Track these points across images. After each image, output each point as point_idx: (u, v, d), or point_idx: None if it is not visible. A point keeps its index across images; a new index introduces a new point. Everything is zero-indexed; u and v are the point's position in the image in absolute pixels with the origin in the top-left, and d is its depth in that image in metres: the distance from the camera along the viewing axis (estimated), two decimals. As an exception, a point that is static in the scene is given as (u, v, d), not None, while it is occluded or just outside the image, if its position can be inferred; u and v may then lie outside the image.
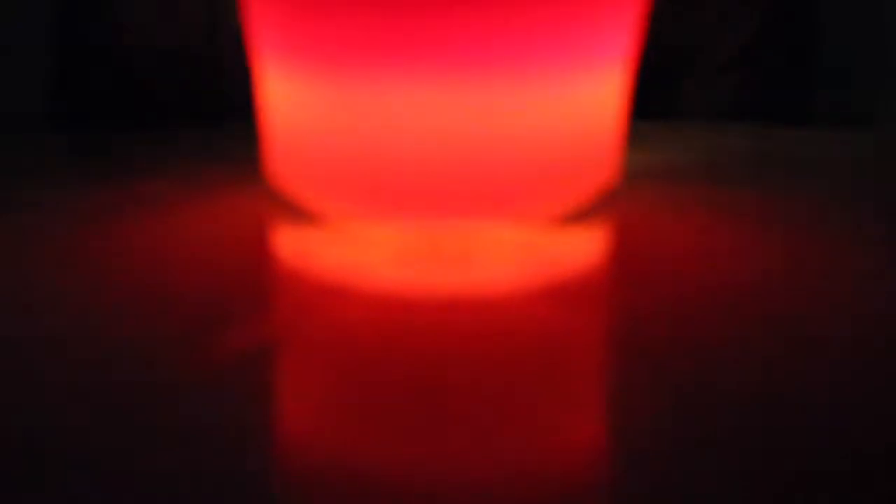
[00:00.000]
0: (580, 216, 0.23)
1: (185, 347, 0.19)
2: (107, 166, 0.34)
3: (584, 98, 0.21)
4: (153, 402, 0.16)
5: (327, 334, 0.20)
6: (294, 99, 0.21)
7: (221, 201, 0.28)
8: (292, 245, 0.23)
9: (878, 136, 0.48)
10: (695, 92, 0.55)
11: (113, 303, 0.21)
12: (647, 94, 0.31)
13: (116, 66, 0.56)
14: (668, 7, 0.52)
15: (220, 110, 0.53)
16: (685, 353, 0.18)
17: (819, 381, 0.17)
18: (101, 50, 0.57)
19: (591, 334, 0.21)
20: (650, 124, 0.36)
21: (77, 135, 0.44)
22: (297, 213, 0.23)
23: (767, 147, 0.38)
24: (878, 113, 0.74)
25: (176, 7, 0.55)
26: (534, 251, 0.22)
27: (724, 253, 0.24)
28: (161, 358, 0.18)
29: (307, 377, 0.18)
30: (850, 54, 0.72)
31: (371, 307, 0.20)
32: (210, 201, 0.28)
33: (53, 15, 0.58)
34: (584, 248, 0.23)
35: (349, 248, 0.22)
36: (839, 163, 0.36)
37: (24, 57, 0.72)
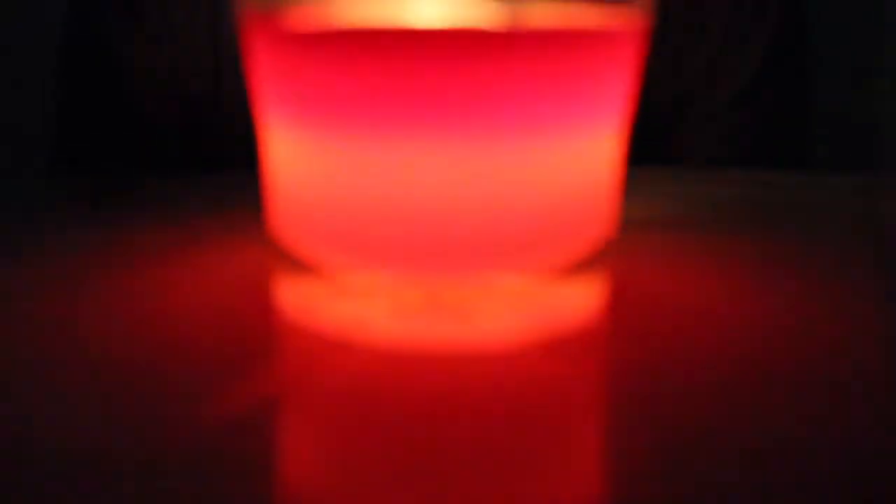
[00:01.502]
0: (579, 268, 0.23)
1: (184, 403, 0.19)
2: (107, 214, 0.34)
3: (582, 154, 0.21)
4: (153, 457, 0.16)
5: (328, 390, 0.20)
6: (297, 153, 0.22)
7: (223, 252, 0.28)
8: (293, 297, 0.23)
9: (875, 179, 0.48)
10: (690, 137, 0.56)
11: (111, 356, 0.21)
12: (643, 141, 0.31)
13: (119, 113, 0.57)
14: (662, 54, 0.53)
15: (224, 157, 0.53)
16: (684, 408, 0.19)
17: (822, 435, 0.18)
18: (104, 96, 0.57)
19: (590, 389, 0.21)
20: (646, 171, 0.36)
21: (78, 181, 0.44)
22: (299, 265, 0.24)
23: (764, 193, 0.39)
24: (875, 155, 0.75)
25: (181, 54, 0.55)
26: (533, 303, 0.23)
27: (723, 304, 0.25)
28: (161, 413, 0.18)
29: (307, 433, 0.19)
30: (845, 97, 0.73)
31: (372, 361, 0.21)
32: (211, 252, 0.29)
33: (57, 59, 0.59)
34: (583, 300, 0.24)
35: (350, 301, 0.23)
36: (837, 208, 0.36)
37: (26, 101, 0.73)
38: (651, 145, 0.51)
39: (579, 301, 0.23)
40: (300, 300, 0.23)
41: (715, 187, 0.39)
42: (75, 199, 0.38)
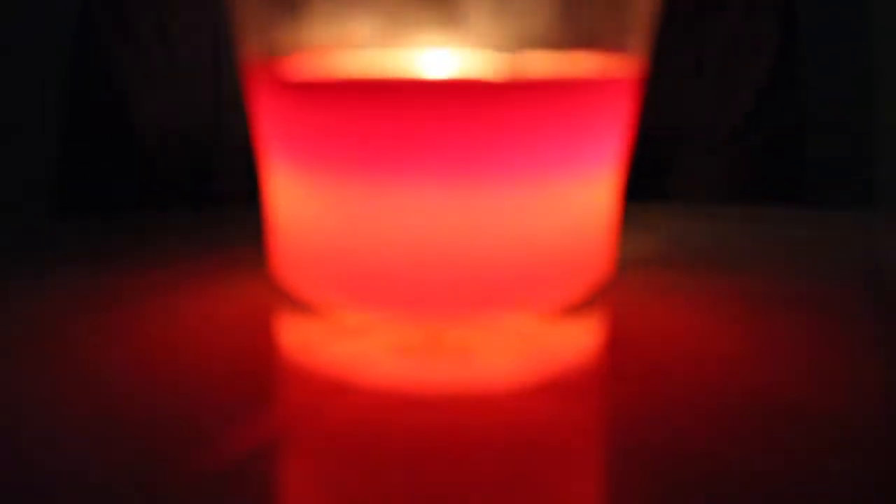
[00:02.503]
0: (578, 307, 0.24)
1: (183, 444, 0.19)
2: (108, 252, 0.34)
3: (580, 197, 0.22)
4: (152, 501, 0.17)
5: (328, 431, 0.20)
6: (298, 195, 0.22)
7: (223, 290, 0.29)
8: (294, 337, 0.24)
9: (871, 214, 0.49)
10: (686, 174, 0.56)
11: (110, 398, 0.21)
12: (640, 178, 0.31)
13: (120, 149, 0.57)
14: (658, 91, 0.53)
15: (224, 193, 0.54)
16: (684, 448, 0.19)
17: (823, 481, 0.18)
18: (106, 133, 0.58)
19: (589, 430, 0.21)
20: (643, 208, 0.36)
21: (79, 219, 0.44)
22: (299, 305, 0.24)
23: (760, 229, 0.39)
24: (872, 190, 0.75)
25: (182, 91, 0.56)
26: (532, 343, 0.23)
27: (721, 343, 0.25)
28: (160, 455, 0.18)
29: (308, 475, 0.19)
30: (840, 132, 0.73)
31: (372, 402, 0.21)
32: (211, 291, 0.29)
33: (61, 98, 0.59)
34: (583, 340, 0.24)
35: (350, 341, 0.23)
36: (833, 244, 0.36)
37: (28, 140, 0.73)
38: (647, 182, 0.52)
39: (578, 341, 0.24)
40: (300, 340, 0.23)
41: (711, 224, 0.39)
42: (75, 238, 0.38)
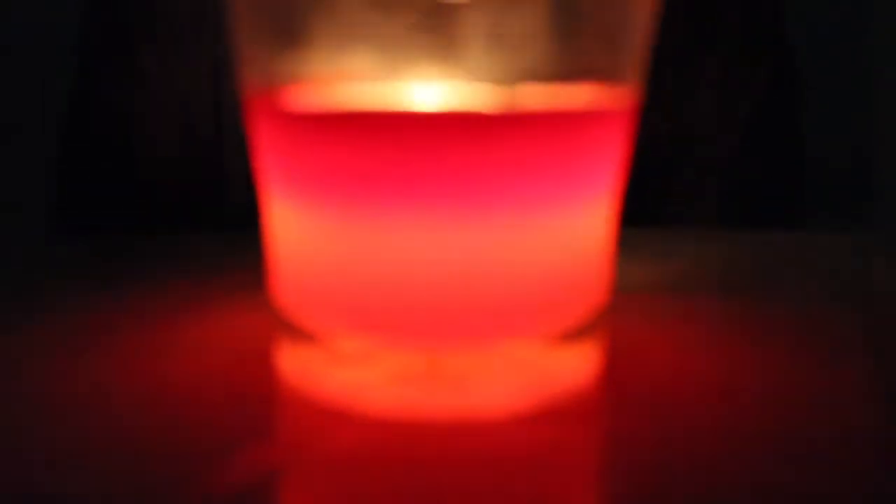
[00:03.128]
0: (576, 334, 0.24)
1: (184, 473, 0.19)
2: (107, 277, 0.35)
3: (576, 226, 0.22)
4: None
5: (328, 459, 0.20)
6: (298, 224, 0.22)
7: (222, 317, 0.29)
8: (293, 365, 0.24)
9: (870, 236, 0.49)
10: (683, 198, 0.56)
11: (108, 426, 0.21)
12: (636, 202, 0.31)
13: (120, 174, 0.57)
14: (654, 115, 0.54)
15: (224, 218, 0.54)
16: (682, 476, 0.19)
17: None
18: (106, 157, 0.58)
19: (588, 458, 0.21)
20: (640, 232, 0.36)
21: (77, 244, 0.44)
22: (299, 333, 0.24)
23: (758, 253, 0.39)
24: (867, 214, 0.76)
25: (183, 115, 0.56)
26: (531, 370, 0.23)
27: (719, 369, 0.25)
28: (159, 483, 0.18)
29: (308, 503, 0.19)
30: (835, 156, 0.74)
31: (371, 430, 0.21)
32: (211, 317, 0.29)
33: (61, 121, 0.59)
34: (580, 367, 0.24)
35: (350, 369, 0.23)
36: (830, 268, 0.37)
37: (26, 163, 0.73)
38: (643, 206, 0.52)
39: (576, 367, 0.24)
40: (300, 368, 0.23)
41: (708, 248, 0.40)
42: (73, 262, 0.39)
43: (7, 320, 0.29)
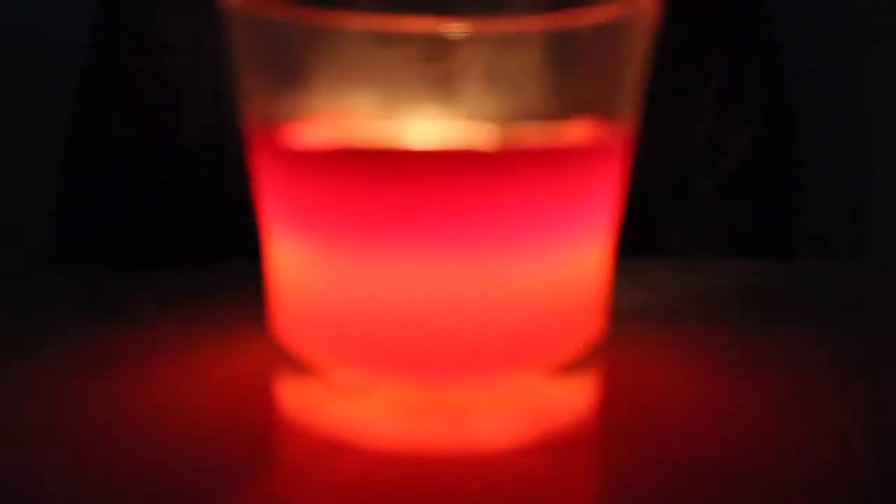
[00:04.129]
0: (574, 366, 0.24)
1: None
2: (107, 309, 0.35)
3: (573, 259, 0.22)
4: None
5: (328, 492, 0.20)
6: (298, 258, 0.22)
7: (223, 348, 0.29)
8: (293, 398, 0.24)
9: (865, 265, 0.49)
10: (680, 228, 0.56)
11: (108, 460, 0.21)
12: (633, 232, 0.32)
13: (119, 200, 0.58)
14: (651, 146, 0.54)
15: (224, 246, 0.54)
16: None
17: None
18: (106, 185, 0.58)
19: (584, 491, 0.21)
20: (636, 262, 0.37)
21: (77, 273, 0.44)
22: (299, 365, 0.24)
23: (754, 283, 0.39)
24: (865, 243, 0.76)
25: (184, 143, 0.56)
26: (529, 402, 0.23)
27: (716, 401, 0.25)
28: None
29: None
30: (833, 185, 0.74)
31: (371, 463, 0.21)
32: (211, 349, 0.29)
33: (63, 148, 0.60)
34: (578, 398, 0.24)
35: (350, 402, 0.23)
36: (827, 297, 0.37)
37: (27, 192, 0.74)
38: (641, 236, 0.52)
39: (574, 399, 0.24)
40: (300, 400, 0.24)
41: (705, 278, 0.40)
42: (73, 291, 0.39)
43: (4, 353, 0.29)
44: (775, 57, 0.59)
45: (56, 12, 0.75)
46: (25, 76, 0.77)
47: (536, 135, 0.21)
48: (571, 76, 0.22)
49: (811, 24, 0.76)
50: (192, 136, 0.56)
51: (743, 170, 0.57)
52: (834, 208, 0.74)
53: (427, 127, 0.21)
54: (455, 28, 0.20)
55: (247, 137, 0.23)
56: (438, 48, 0.20)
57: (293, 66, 0.21)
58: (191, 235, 0.56)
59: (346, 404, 0.23)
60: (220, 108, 0.55)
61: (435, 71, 0.21)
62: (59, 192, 0.59)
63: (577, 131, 0.22)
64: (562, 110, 0.21)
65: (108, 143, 0.57)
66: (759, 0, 0.59)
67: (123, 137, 0.57)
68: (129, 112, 0.57)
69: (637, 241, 0.53)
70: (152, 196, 0.57)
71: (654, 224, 0.55)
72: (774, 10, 0.60)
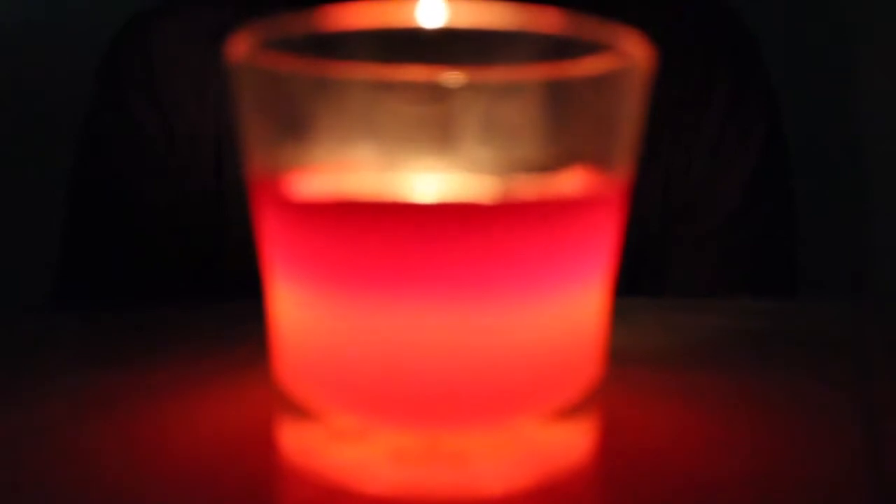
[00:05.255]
0: (572, 411, 0.24)
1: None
2: (108, 350, 0.35)
3: (570, 307, 0.22)
4: None
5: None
6: (300, 306, 0.23)
7: (224, 392, 0.29)
8: (294, 442, 0.24)
9: (864, 303, 0.49)
10: (678, 267, 0.57)
11: (108, 502, 0.21)
12: (632, 272, 0.32)
13: (122, 245, 0.58)
14: (649, 187, 0.55)
15: (225, 287, 0.54)
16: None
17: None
18: (109, 228, 0.58)
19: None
20: (634, 302, 0.37)
21: (79, 313, 0.45)
22: (300, 410, 0.24)
23: (753, 322, 0.39)
24: (864, 281, 0.76)
25: (186, 187, 0.57)
26: (527, 448, 0.23)
27: (715, 446, 0.25)
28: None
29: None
30: (831, 224, 0.74)
31: (370, 508, 0.21)
32: (212, 393, 0.29)
33: (67, 194, 0.60)
34: (576, 443, 0.24)
35: (350, 447, 0.23)
36: (826, 336, 0.37)
37: (29, 231, 0.74)
38: (639, 276, 0.53)
39: (573, 444, 0.24)
40: (301, 445, 0.24)
41: (703, 318, 0.40)
42: (75, 334, 0.39)
43: (6, 398, 0.29)
44: (771, 96, 0.59)
45: (60, 59, 0.76)
46: (29, 120, 0.78)
47: (534, 186, 0.22)
48: (567, 126, 0.22)
49: (807, 62, 0.76)
50: (194, 180, 0.56)
51: (740, 209, 0.57)
52: (832, 245, 0.75)
53: (426, 179, 0.21)
54: (453, 77, 0.21)
55: (250, 187, 0.24)
56: (437, 94, 0.21)
57: (296, 117, 0.22)
58: (192, 278, 0.57)
59: (346, 449, 0.23)
60: (223, 153, 0.56)
61: (433, 120, 0.21)
62: (62, 235, 0.59)
63: (573, 181, 0.22)
64: (558, 160, 0.22)
65: (111, 187, 0.58)
66: (754, 42, 0.60)
67: (126, 181, 0.57)
68: (132, 155, 0.58)
69: (634, 281, 0.53)
70: (153, 238, 0.57)
71: (652, 264, 0.55)
72: (770, 50, 0.60)
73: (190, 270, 0.57)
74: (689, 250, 0.56)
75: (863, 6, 0.76)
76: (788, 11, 0.75)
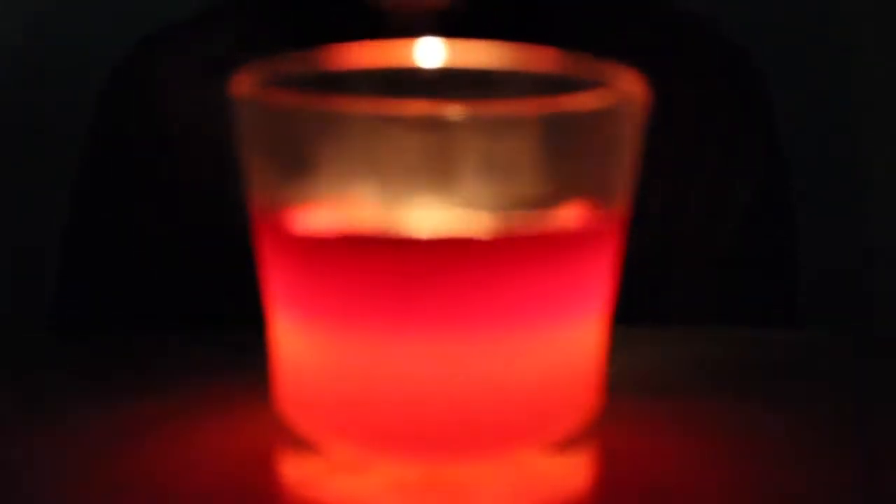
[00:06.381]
0: (569, 442, 0.24)
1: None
2: (108, 379, 0.34)
3: (569, 339, 0.23)
4: None
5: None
6: (301, 338, 0.23)
7: (225, 423, 0.29)
8: (294, 473, 0.24)
9: (863, 335, 0.49)
10: (678, 296, 0.57)
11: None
12: (630, 300, 0.32)
13: (121, 271, 0.58)
14: (647, 215, 0.55)
15: (225, 315, 0.54)
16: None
17: None
18: (108, 255, 0.59)
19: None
20: (633, 331, 0.37)
21: (78, 340, 0.44)
22: (301, 441, 0.24)
23: (751, 353, 0.39)
24: (866, 313, 0.76)
25: (186, 217, 0.57)
26: (527, 478, 0.23)
27: (714, 477, 0.25)
28: None
29: None
30: (829, 254, 0.74)
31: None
32: (212, 423, 0.29)
33: (66, 222, 0.60)
34: (575, 474, 0.24)
35: (350, 478, 0.23)
36: (825, 368, 0.36)
37: (29, 260, 0.74)
38: (638, 304, 0.53)
39: (573, 475, 0.24)
40: (301, 476, 0.24)
41: (703, 347, 0.40)
42: (74, 362, 0.38)
43: (4, 429, 0.29)
44: (771, 126, 0.60)
45: (60, 86, 0.76)
46: (29, 144, 0.78)
47: (532, 221, 0.22)
48: (565, 161, 0.22)
49: (806, 92, 0.77)
50: (193, 210, 0.56)
51: (739, 238, 0.57)
52: (832, 275, 0.75)
53: (426, 214, 0.22)
54: (452, 109, 0.21)
55: (252, 221, 0.24)
56: (437, 126, 0.21)
57: (298, 153, 0.22)
58: (192, 307, 0.57)
59: (347, 481, 0.23)
60: (225, 181, 0.56)
61: (433, 156, 0.22)
62: (61, 263, 0.59)
63: (571, 216, 0.22)
64: (556, 195, 0.22)
65: (110, 217, 0.58)
66: (755, 71, 0.60)
67: (124, 211, 0.57)
68: (132, 182, 0.58)
69: (633, 309, 0.53)
70: (154, 266, 0.57)
71: (651, 293, 0.55)
72: (769, 80, 0.61)
73: (190, 299, 0.57)
74: (689, 279, 0.56)
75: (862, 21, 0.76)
76: (786, 34, 0.76)
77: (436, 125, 0.21)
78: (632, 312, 0.34)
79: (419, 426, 0.22)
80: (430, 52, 0.22)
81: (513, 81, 0.22)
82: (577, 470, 0.24)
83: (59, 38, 0.77)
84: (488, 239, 0.21)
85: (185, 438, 0.28)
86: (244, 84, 0.23)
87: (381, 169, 0.22)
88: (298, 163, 0.22)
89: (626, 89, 0.23)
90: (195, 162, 0.56)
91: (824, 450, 0.27)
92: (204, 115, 0.56)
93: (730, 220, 0.57)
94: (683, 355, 0.38)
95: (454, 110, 0.21)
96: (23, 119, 0.78)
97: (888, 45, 0.76)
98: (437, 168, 0.21)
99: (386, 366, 0.22)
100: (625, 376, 0.31)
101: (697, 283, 0.56)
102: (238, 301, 0.49)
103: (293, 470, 0.24)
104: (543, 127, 0.22)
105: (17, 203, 0.78)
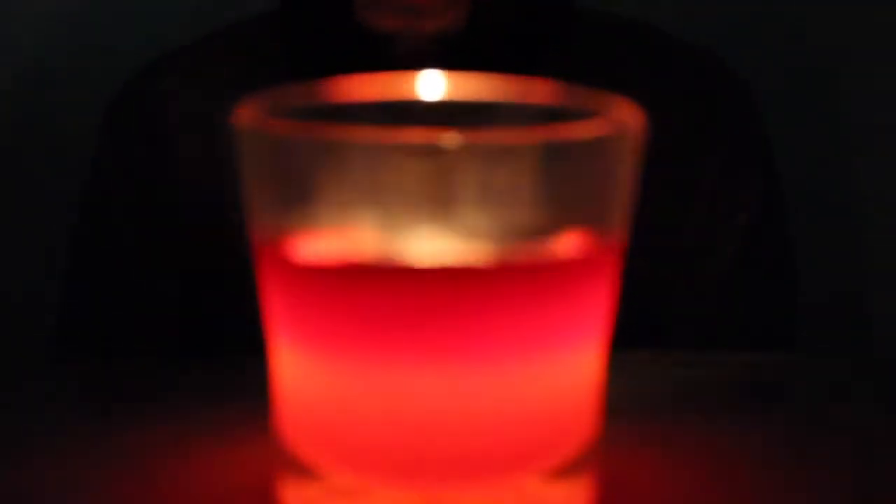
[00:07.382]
0: (568, 468, 0.24)
1: None
2: (108, 406, 0.34)
3: (567, 367, 0.23)
4: None
5: None
6: (302, 366, 0.23)
7: (225, 448, 0.29)
8: (295, 499, 0.24)
9: (860, 357, 0.49)
10: (677, 319, 0.57)
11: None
12: (629, 324, 0.32)
13: (121, 296, 0.58)
14: (646, 240, 0.55)
15: (225, 340, 0.54)
16: None
17: None
18: (109, 281, 0.59)
19: None
20: (632, 357, 0.37)
21: (79, 367, 0.44)
22: (299, 467, 0.24)
23: (750, 376, 0.39)
24: (864, 337, 0.76)
25: (185, 240, 0.57)
26: (525, 504, 0.24)
27: (713, 502, 0.25)
28: None
29: None
30: (828, 277, 0.74)
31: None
32: (213, 448, 0.29)
33: (68, 248, 0.61)
34: (574, 500, 0.24)
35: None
36: (823, 391, 0.36)
37: (30, 287, 0.74)
38: (637, 328, 0.53)
39: (572, 501, 0.24)
40: (301, 502, 0.24)
41: (702, 371, 0.40)
42: (75, 389, 0.38)
43: (6, 453, 0.29)
44: (768, 148, 0.60)
45: (62, 109, 0.76)
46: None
47: (529, 250, 0.22)
48: (562, 190, 0.23)
49: (805, 117, 0.77)
50: (196, 235, 0.57)
51: (737, 262, 0.57)
52: (831, 298, 0.75)
53: (425, 243, 0.22)
54: (451, 137, 0.21)
55: (253, 249, 0.24)
56: (436, 154, 0.21)
57: (299, 182, 0.23)
58: (194, 333, 0.57)
59: (346, 507, 0.23)
60: (226, 204, 0.56)
61: (432, 186, 0.22)
62: (63, 289, 0.60)
63: (568, 244, 0.23)
64: (553, 224, 0.22)
65: (113, 242, 0.58)
66: (751, 95, 0.60)
67: (128, 236, 0.58)
68: (134, 210, 0.58)
69: (632, 333, 0.53)
70: (156, 292, 0.57)
71: (650, 316, 0.55)
72: (765, 102, 0.61)
73: (190, 326, 0.57)
74: (687, 303, 0.56)
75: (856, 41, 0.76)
76: (781, 56, 0.76)
77: (435, 154, 0.21)
78: (630, 336, 0.34)
79: (419, 453, 0.22)
80: (429, 85, 0.23)
81: (511, 113, 0.23)
82: (576, 495, 0.24)
83: (69, 50, 0.77)
84: (487, 268, 0.21)
85: (184, 465, 0.28)
86: (246, 114, 0.23)
87: (380, 198, 0.22)
88: (299, 192, 0.23)
89: (622, 119, 0.23)
90: (196, 189, 0.57)
91: (825, 472, 0.27)
92: (207, 140, 0.56)
93: (728, 244, 0.57)
94: (682, 379, 0.38)
95: (453, 139, 0.21)
96: (21, 165, 0.78)
97: (887, 73, 0.76)
98: (436, 197, 0.22)
99: (386, 393, 0.22)
100: (623, 402, 0.31)
101: (696, 307, 0.56)
102: (238, 328, 0.49)
103: (293, 496, 0.24)
104: (541, 156, 0.22)
105: (15, 232, 0.78)
